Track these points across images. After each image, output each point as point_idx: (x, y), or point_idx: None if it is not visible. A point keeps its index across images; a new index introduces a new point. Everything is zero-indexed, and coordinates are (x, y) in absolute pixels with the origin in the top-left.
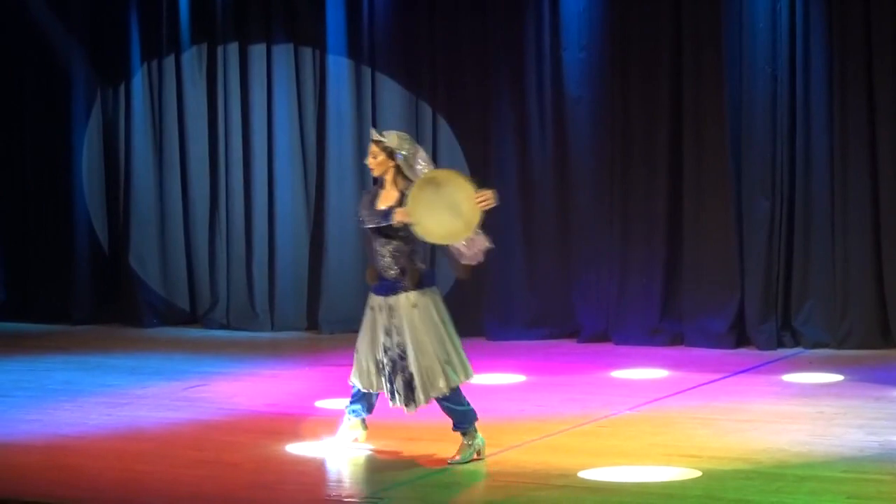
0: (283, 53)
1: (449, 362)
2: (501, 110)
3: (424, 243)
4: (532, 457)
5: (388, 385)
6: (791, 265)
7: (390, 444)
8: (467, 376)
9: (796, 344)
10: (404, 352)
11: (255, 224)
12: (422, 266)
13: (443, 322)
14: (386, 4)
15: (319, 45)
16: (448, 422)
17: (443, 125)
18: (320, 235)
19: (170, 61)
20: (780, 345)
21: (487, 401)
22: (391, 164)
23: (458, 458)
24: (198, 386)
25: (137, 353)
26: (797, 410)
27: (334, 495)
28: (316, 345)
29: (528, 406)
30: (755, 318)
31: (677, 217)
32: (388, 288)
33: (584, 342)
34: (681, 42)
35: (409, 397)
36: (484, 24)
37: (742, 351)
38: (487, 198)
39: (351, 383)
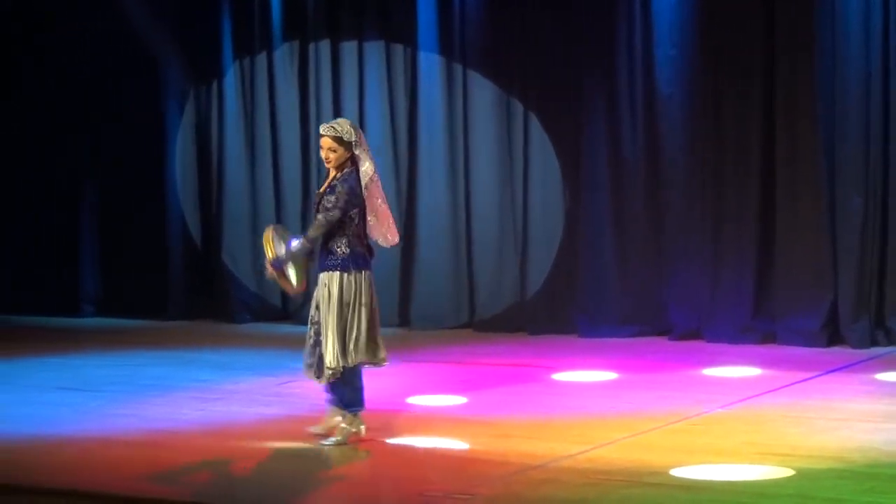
0: (374, 50)
1: (343, 342)
2: (593, 107)
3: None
4: (624, 454)
5: (309, 358)
6: (885, 262)
7: (482, 441)
8: (355, 360)
9: (890, 342)
10: (319, 327)
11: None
12: (345, 251)
13: (349, 305)
14: (477, 1)
15: (411, 42)
16: (540, 418)
17: (534, 122)
18: (412, 231)
19: (262, 58)
20: (874, 343)
21: (580, 398)
22: (348, 155)
23: (337, 438)
24: (289, 381)
25: (229, 348)
26: (891, 409)
27: (427, 492)
28: (407, 341)
29: (620, 403)
30: (848, 316)
31: (770, 214)
32: (319, 265)
33: (675, 340)
34: (773, 39)
35: (319, 370)
36: (575, 21)
37: (835, 349)
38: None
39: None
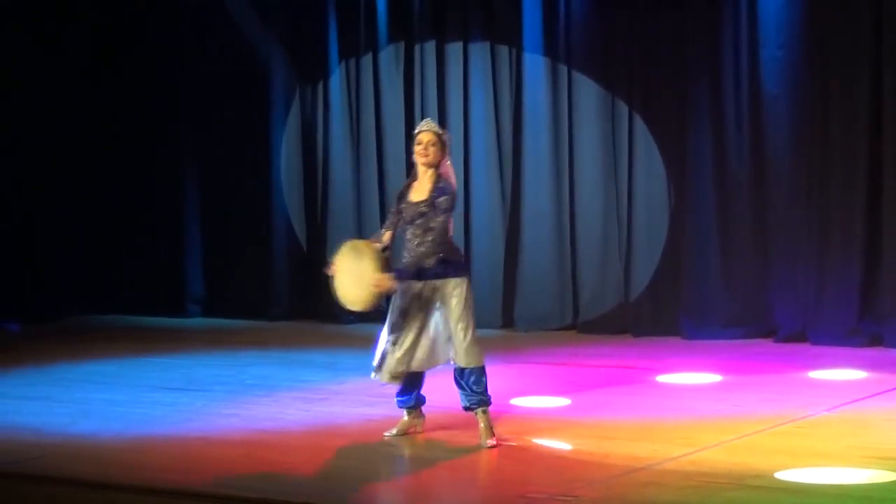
0: (479, 52)
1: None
2: (698, 108)
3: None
4: (728, 457)
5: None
6: None
7: (585, 443)
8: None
9: None
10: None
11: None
12: (460, 256)
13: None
14: (583, 2)
15: (516, 44)
16: (643, 420)
17: (639, 124)
18: (516, 233)
19: (367, 60)
20: None
21: (684, 400)
22: (441, 155)
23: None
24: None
25: (334, 348)
26: None
27: (529, 493)
28: (511, 342)
29: (725, 406)
30: None
31: (876, 216)
32: (437, 272)
33: (780, 342)
34: (881, 40)
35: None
36: (680, 22)
37: None
38: (383, 284)
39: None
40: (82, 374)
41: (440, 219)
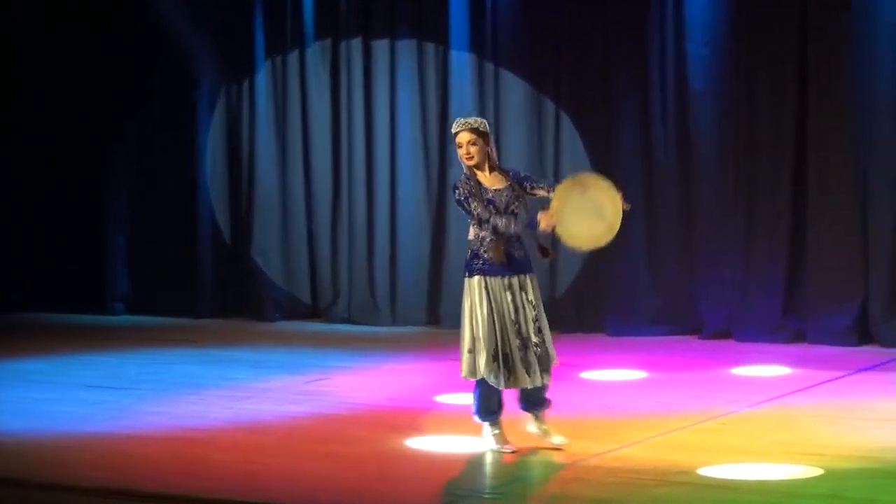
0: (406, 49)
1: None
2: (624, 106)
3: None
4: (652, 453)
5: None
6: None
7: (511, 439)
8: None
9: None
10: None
11: (378, 218)
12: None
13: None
14: (510, 0)
15: (442, 41)
16: (569, 417)
17: (565, 121)
18: (442, 229)
19: (294, 57)
20: None
21: (608, 396)
22: (486, 149)
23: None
24: (319, 380)
25: (259, 346)
26: None
27: (454, 490)
28: (437, 339)
29: (649, 402)
30: (879, 314)
31: (801, 213)
32: (524, 265)
33: (705, 339)
34: (806, 37)
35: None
36: (607, 19)
37: (866, 348)
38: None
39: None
40: (6, 373)
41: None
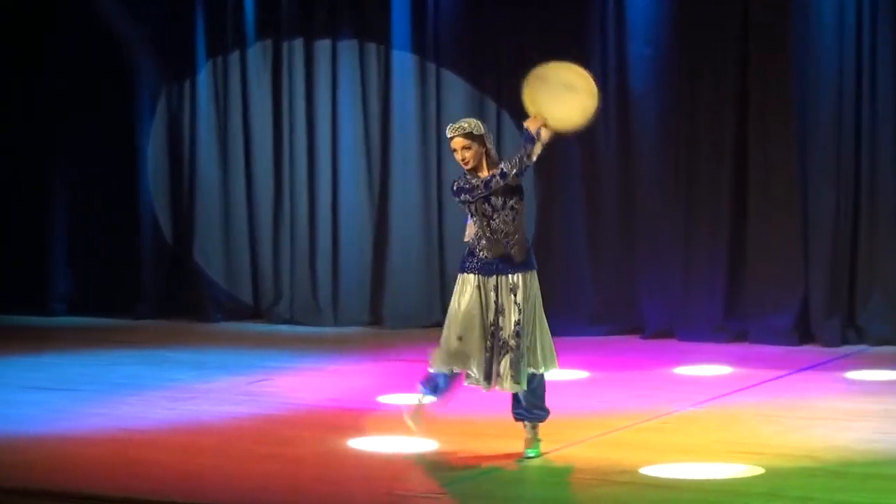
0: (348, 49)
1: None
2: None
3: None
4: (594, 453)
5: (485, 366)
6: (856, 261)
7: (452, 440)
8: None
9: (861, 341)
10: (522, 329)
11: (319, 219)
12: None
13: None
14: (451, 0)
15: (384, 41)
16: (511, 417)
17: (507, 121)
18: (384, 230)
19: (235, 57)
20: (845, 341)
21: (551, 396)
22: (483, 150)
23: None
24: (261, 381)
25: (201, 347)
26: (862, 408)
27: (396, 491)
28: (379, 339)
29: (592, 402)
30: (819, 314)
31: (742, 213)
32: (516, 266)
33: (647, 338)
34: (747, 36)
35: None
36: (548, 19)
37: (806, 348)
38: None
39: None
40: None
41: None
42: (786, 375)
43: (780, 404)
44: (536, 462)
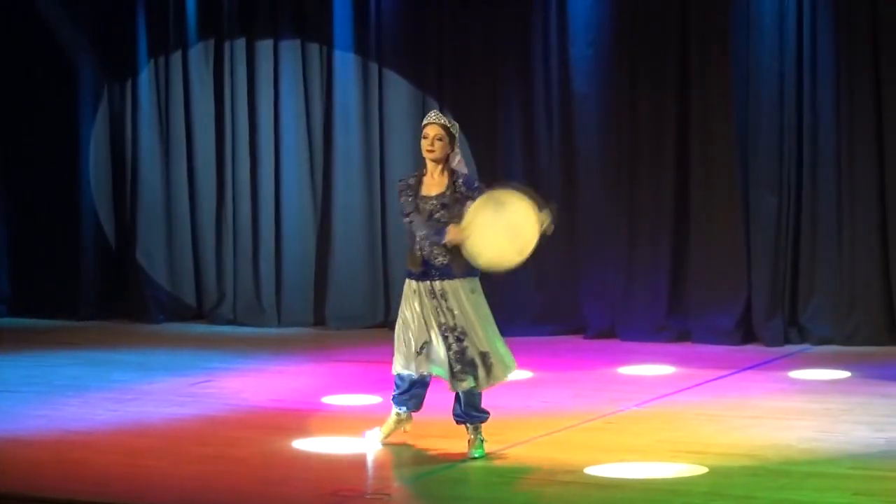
0: (289, 49)
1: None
2: (508, 107)
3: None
4: (538, 453)
5: (448, 365)
6: (798, 261)
7: (396, 440)
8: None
9: (803, 340)
10: (464, 333)
11: (262, 220)
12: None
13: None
14: (393, 0)
15: (326, 42)
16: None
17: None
18: (327, 231)
19: (177, 57)
20: (787, 341)
21: (494, 397)
22: (449, 150)
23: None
24: (204, 381)
25: (144, 348)
26: (804, 407)
27: (341, 491)
28: (323, 340)
29: (535, 402)
30: (762, 314)
31: (684, 213)
32: (447, 271)
33: (590, 338)
34: (688, 38)
35: (472, 374)
36: (491, 20)
37: (749, 347)
38: (547, 223)
39: (397, 373)
40: None
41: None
42: (728, 375)
43: (723, 404)
44: (481, 462)
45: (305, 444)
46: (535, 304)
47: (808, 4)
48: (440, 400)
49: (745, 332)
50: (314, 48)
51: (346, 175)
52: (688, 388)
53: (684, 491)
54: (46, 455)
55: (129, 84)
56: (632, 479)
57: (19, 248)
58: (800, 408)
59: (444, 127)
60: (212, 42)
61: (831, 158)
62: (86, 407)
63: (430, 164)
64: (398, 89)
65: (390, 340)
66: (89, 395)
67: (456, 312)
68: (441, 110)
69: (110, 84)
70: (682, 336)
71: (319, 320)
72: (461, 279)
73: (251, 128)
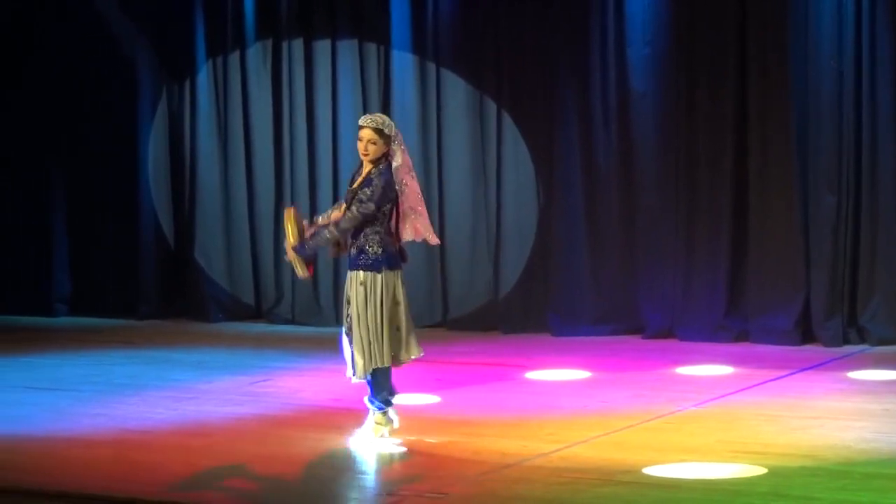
0: (347, 49)
1: (370, 344)
2: (566, 106)
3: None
4: (597, 453)
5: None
6: (857, 261)
7: (454, 440)
8: (384, 363)
9: (862, 341)
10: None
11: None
12: (377, 250)
13: (382, 304)
14: (451, 0)
15: (384, 41)
16: (513, 417)
17: (507, 121)
18: None
19: (235, 57)
20: (846, 341)
21: (553, 396)
22: (385, 149)
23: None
24: (263, 381)
25: (202, 347)
26: (863, 407)
27: (400, 491)
28: None
29: (593, 402)
30: (821, 314)
31: (742, 213)
32: (350, 263)
33: (648, 338)
34: (745, 37)
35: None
36: (548, 19)
37: (807, 348)
38: (289, 254)
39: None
40: None
41: (353, 208)
42: (787, 375)
43: (782, 404)
44: (539, 462)
45: (363, 444)
46: (593, 304)
47: (867, 3)
48: (498, 400)
49: (804, 333)
50: (372, 48)
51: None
52: (746, 389)
53: (744, 491)
54: (106, 454)
55: (187, 84)
56: (690, 480)
57: (80, 249)
58: (858, 408)
59: (377, 130)
60: (270, 42)
61: (891, 157)
62: (145, 406)
63: (367, 164)
64: (455, 89)
65: (448, 340)
66: (148, 394)
67: (350, 302)
68: (498, 110)
69: (169, 84)
70: (741, 336)
71: None
72: (358, 272)
73: (309, 128)
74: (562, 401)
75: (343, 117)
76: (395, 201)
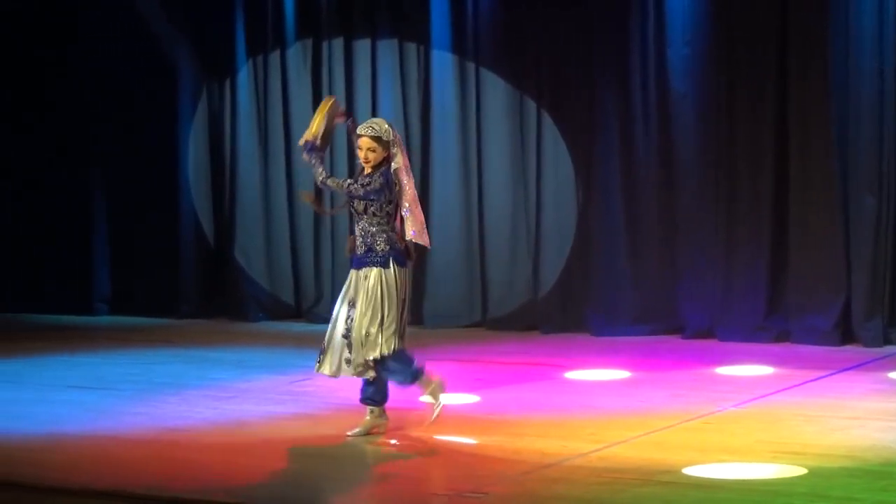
0: (387, 49)
1: (378, 337)
2: (606, 106)
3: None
4: (636, 453)
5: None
6: None
7: (494, 440)
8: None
9: None
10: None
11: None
12: (385, 247)
13: (388, 300)
14: (491, 0)
15: (424, 41)
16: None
17: (547, 121)
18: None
19: (275, 56)
20: (887, 342)
21: (592, 396)
22: (385, 155)
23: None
24: (302, 380)
25: (242, 346)
26: None
27: (440, 490)
28: (419, 339)
29: (633, 402)
30: (861, 314)
31: (783, 213)
32: (356, 262)
33: (688, 338)
34: (786, 37)
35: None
36: (588, 19)
37: (848, 348)
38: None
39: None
40: None
41: (344, 182)
42: (827, 376)
43: (822, 404)
44: (579, 462)
45: (404, 443)
46: (633, 303)
47: None
48: (538, 399)
49: (844, 333)
50: (412, 47)
51: (443, 174)
52: (786, 389)
53: (784, 492)
54: (146, 453)
55: (227, 83)
56: (730, 480)
57: (121, 248)
58: None
59: (375, 138)
60: (310, 41)
61: None
62: (185, 405)
63: (366, 168)
64: (496, 89)
65: (488, 339)
66: (188, 393)
67: (356, 301)
68: (538, 110)
69: (209, 83)
70: (781, 336)
71: (416, 319)
72: (370, 269)
73: (348, 127)
74: (601, 400)
75: (383, 116)
76: (395, 201)
